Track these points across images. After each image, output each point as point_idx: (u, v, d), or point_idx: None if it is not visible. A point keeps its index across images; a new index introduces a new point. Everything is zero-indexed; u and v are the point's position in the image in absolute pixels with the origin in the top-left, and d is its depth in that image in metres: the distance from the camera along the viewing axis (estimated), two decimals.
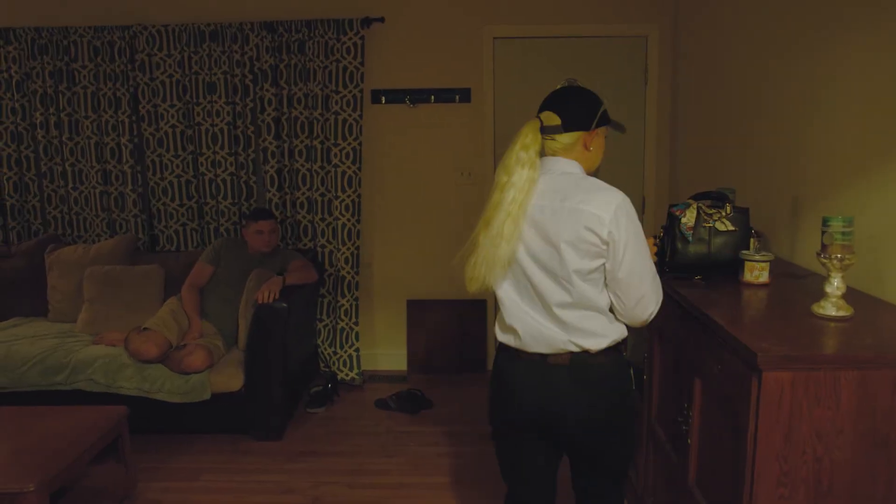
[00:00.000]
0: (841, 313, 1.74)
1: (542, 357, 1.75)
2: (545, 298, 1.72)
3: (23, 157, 4.27)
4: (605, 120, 1.81)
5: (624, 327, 1.79)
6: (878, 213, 2.02)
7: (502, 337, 1.84)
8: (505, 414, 1.87)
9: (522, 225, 1.70)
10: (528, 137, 1.74)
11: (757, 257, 2.12)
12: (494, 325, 1.89)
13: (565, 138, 1.76)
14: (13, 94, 4.17)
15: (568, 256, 1.67)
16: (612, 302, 1.73)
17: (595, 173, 1.84)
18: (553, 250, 1.69)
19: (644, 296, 1.70)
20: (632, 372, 1.85)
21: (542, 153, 1.77)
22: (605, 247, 1.65)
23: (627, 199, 1.69)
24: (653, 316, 1.75)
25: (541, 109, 1.79)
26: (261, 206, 4.21)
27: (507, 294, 1.79)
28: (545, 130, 1.76)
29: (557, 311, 1.71)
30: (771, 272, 2.14)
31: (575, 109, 1.76)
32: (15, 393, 3.37)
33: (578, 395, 1.75)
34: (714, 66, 3.42)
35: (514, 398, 1.81)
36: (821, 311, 1.76)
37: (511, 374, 1.82)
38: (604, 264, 1.68)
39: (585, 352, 1.73)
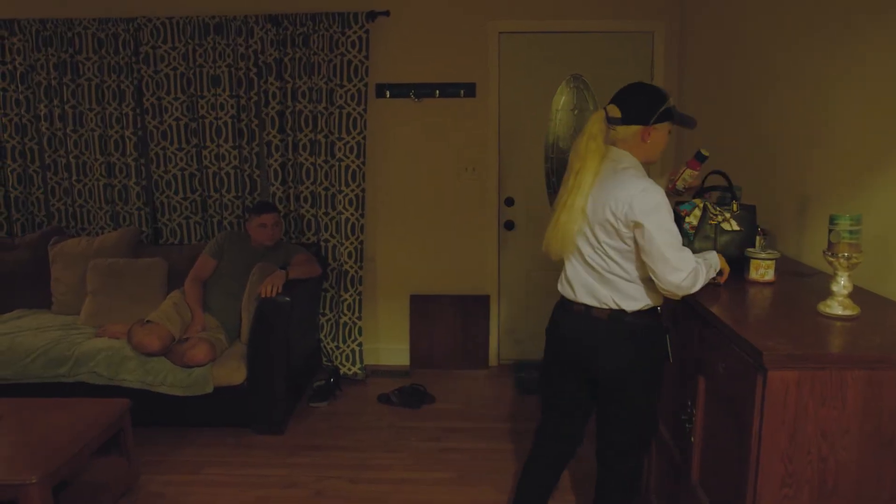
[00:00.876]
0: (847, 312, 1.72)
1: (588, 309, 2.05)
2: (591, 265, 2.02)
3: (27, 148, 4.27)
4: (667, 116, 1.99)
5: (659, 296, 2.04)
6: (885, 211, 2.00)
7: (561, 289, 2.16)
8: (555, 352, 2.21)
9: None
10: (595, 127, 1.98)
11: (763, 255, 2.11)
12: (557, 282, 2.20)
13: (625, 130, 1.99)
14: (17, 86, 4.17)
15: (600, 235, 1.97)
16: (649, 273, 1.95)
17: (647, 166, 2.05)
18: (590, 229, 1.99)
19: (675, 268, 1.87)
20: (668, 339, 2.11)
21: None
22: (626, 229, 1.90)
23: (652, 189, 1.88)
24: (690, 288, 1.91)
25: (609, 102, 2.02)
26: (264, 199, 4.20)
27: (569, 258, 2.11)
28: (609, 121, 1.98)
29: (604, 274, 2.00)
30: (777, 270, 2.13)
31: (636, 105, 1.97)
32: (18, 385, 3.37)
33: (611, 344, 2.04)
34: (720, 63, 3.39)
35: (562, 340, 2.15)
36: (827, 310, 1.75)
37: (562, 322, 2.15)
38: (633, 242, 1.92)
39: (622, 311, 2.00)
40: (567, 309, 2.13)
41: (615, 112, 1.97)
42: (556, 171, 4.34)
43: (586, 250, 2.02)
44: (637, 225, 1.87)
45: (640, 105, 1.97)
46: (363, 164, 4.12)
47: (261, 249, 3.76)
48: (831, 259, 1.72)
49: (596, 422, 2.23)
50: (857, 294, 1.81)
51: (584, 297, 2.06)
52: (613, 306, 2.01)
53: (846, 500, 1.54)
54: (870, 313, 1.77)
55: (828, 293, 1.77)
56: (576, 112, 4.27)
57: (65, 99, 4.15)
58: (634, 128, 1.97)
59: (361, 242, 4.21)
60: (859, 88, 2.16)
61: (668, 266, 1.87)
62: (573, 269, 2.09)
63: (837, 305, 1.74)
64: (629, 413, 2.12)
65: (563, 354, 2.18)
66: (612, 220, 1.91)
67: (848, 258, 1.69)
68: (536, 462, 2.39)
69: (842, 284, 1.73)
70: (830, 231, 1.72)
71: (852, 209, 2.14)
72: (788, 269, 2.32)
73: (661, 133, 2.00)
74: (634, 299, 2.00)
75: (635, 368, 2.05)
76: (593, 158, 1.96)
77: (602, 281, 2.01)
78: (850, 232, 1.69)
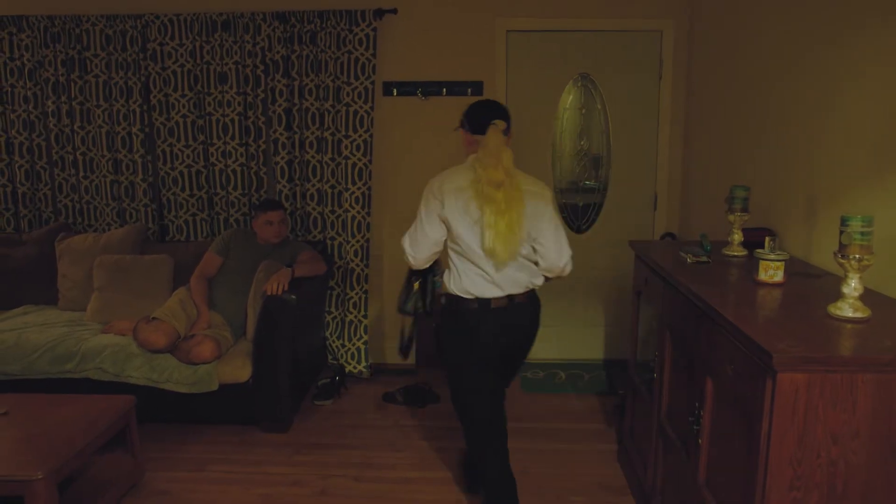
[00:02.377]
0: (858, 314, 1.71)
1: (511, 299, 2.43)
2: (519, 261, 2.42)
3: (34, 145, 4.28)
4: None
5: None
6: (895, 212, 1.99)
7: (479, 292, 2.41)
8: (475, 350, 2.47)
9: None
10: (501, 139, 2.37)
11: (771, 256, 2.09)
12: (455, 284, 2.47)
13: (505, 138, 2.42)
14: (25, 83, 4.18)
15: (532, 234, 2.39)
16: (538, 255, 2.44)
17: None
18: (527, 231, 2.37)
19: (562, 247, 2.43)
20: None
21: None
22: (540, 219, 2.37)
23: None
24: (569, 266, 2.48)
25: (490, 119, 2.39)
26: (271, 197, 4.20)
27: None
28: (505, 133, 2.41)
29: (526, 264, 2.45)
30: (786, 272, 2.11)
31: (508, 117, 2.47)
32: (25, 380, 3.38)
33: (530, 320, 2.54)
34: (730, 62, 3.37)
35: (487, 336, 2.44)
36: (837, 312, 1.73)
37: (484, 319, 2.43)
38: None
39: (533, 289, 2.51)
40: (490, 307, 2.42)
41: (503, 125, 2.40)
42: (564, 171, 4.33)
43: (522, 250, 2.40)
44: (548, 215, 2.41)
45: (509, 117, 2.47)
46: (370, 161, 4.11)
47: (267, 247, 3.76)
48: (842, 261, 1.71)
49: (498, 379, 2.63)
50: (867, 296, 1.80)
51: (509, 289, 2.42)
52: (530, 286, 2.48)
53: None
54: (880, 315, 1.75)
55: (838, 295, 1.76)
56: (583, 111, 4.25)
57: (72, 95, 4.15)
58: (508, 135, 2.43)
59: (367, 240, 4.20)
60: (870, 87, 2.14)
61: (557, 250, 2.43)
62: (500, 271, 2.39)
63: (848, 307, 1.72)
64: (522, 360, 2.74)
65: (494, 344, 2.47)
66: (535, 212, 2.37)
67: (859, 260, 1.68)
68: (495, 443, 2.63)
69: (852, 286, 1.72)
70: (842, 232, 1.70)
71: (861, 210, 2.12)
72: (797, 270, 2.31)
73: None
74: (539, 275, 2.50)
75: (536, 328, 2.59)
76: (512, 168, 2.36)
77: (524, 268, 2.44)
78: (862, 233, 1.67)
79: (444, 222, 2.37)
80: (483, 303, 2.40)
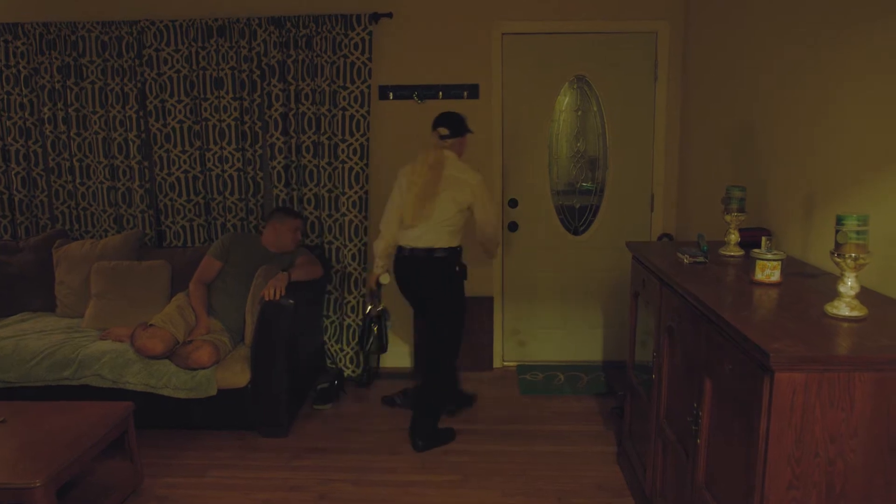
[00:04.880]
0: (855, 314, 1.71)
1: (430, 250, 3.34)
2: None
3: (31, 152, 4.27)
4: (466, 129, 3.38)
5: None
6: (892, 211, 1.99)
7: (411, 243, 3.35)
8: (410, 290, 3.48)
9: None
10: (431, 149, 3.29)
11: (768, 256, 2.10)
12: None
13: (452, 140, 3.32)
14: (21, 90, 4.18)
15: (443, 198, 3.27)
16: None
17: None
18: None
19: (488, 218, 3.41)
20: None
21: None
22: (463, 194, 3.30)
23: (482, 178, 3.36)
24: (495, 235, 3.51)
25: (435, 127, 3.33)
26: (268, 202, 4.22)
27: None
28: (443, 137, 3.31)
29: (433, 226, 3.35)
30: (783, 271, 2.12)
31: (454, 124, 3.33)
32: (22, 388, 3.38)
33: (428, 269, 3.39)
34: (725, 62, 3.38)
35: (414, 279, 3.40)
36: (834, 312, 1.73)
37: (411, 264, 3.37)
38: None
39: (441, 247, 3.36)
40: (410, 256, 3.38)
41: (445, 131, 3.30)
42: (560, 173, 4.33)
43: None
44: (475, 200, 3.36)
45: (455, 124, 3.33)
46: (366, 165, 4.12)
47: (265, 251, 3.76)
48: (838, 260, 1.71)
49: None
50: (864, 295, 1.80)
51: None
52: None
53: (855, 503, 1.52)
54: (877, 314, 1.76)
55: (835, 294, 1.76)
56: (579, 113, 4.26)
57: (68, 102, 4.15)
58: (456, 139, 3.34)
59: (365, 244, 4.20)
60: (865, 87, 2.15)
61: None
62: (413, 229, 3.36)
63: (845, 306, 1.73)
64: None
65: (418, 286, 3.46)
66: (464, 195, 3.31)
67: (855, 259, 1.68)
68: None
69: (849, 285, 1.72)
70: (837, 231, 1.71)
71: (858, 209, 2.13)
72: (794, 270, 2.31)
73: (465, 140, 3.40)
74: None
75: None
76: (443, 161, 3.28)
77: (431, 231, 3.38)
78: (858, 233, 1.68)
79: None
80: (405, 251, 3.40)
